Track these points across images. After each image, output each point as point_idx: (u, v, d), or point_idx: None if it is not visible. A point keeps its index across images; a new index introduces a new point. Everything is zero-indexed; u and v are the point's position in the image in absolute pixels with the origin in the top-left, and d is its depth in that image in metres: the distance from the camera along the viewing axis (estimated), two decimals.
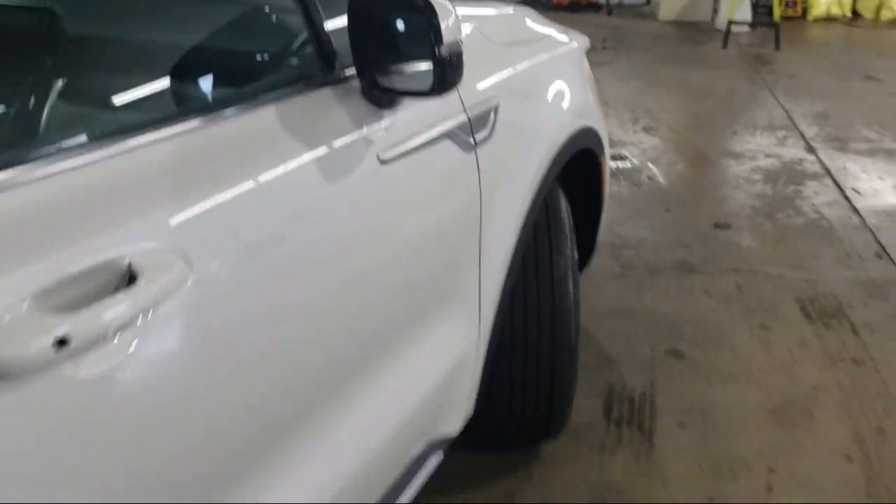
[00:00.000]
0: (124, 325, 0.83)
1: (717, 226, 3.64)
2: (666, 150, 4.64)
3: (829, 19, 8.21)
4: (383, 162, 1.27)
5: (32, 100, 1.09)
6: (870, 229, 3.59)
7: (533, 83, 1.86)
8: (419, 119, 1.37)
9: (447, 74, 1.17)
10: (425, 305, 1.51)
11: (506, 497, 2.08)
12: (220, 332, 0.98)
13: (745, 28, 7.54)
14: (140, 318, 0.84)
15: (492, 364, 1.77)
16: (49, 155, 0.86)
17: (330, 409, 1.27)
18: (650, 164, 4.39)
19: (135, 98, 1.14)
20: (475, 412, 1.78)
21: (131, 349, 0.84)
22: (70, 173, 0.85)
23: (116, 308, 0.81)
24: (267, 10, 1.38)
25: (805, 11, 8.25)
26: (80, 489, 0.82)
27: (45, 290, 0.76)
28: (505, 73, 1.67)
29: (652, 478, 2.16)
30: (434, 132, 1.40)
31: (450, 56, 1.15)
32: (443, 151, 1.44)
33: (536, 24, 2.14)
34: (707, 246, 3.45)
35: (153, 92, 1.16)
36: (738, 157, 4.52)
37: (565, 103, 1.99)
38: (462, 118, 1.49)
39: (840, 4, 8.22)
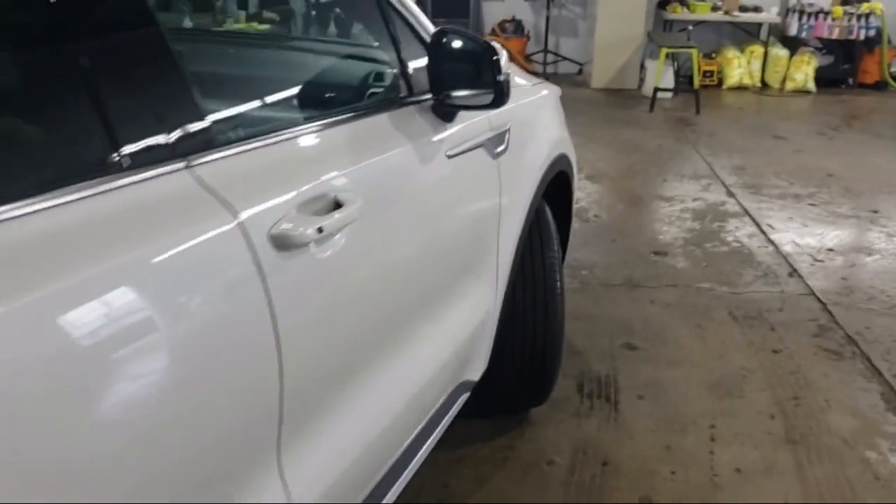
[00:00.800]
0: (337, 231, 1.34)
1: (655, 252, 4.27)
2: (607, 194, 5.30)
3: (741, 88, 9.15)
4: (448, 157, 1.82)
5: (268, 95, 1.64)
6: (783, 255, 4.27)
7: (530, 116, 2.44)
8: (467, 131, 1.92)
9: (504, 94, 1.73)
10: (464, 272, 2.03)
11: (504, 450, 2.59)
12: (362, 251, 1.49)
13: (669, 94, 8.41)
14: (343, 229, 1.36)
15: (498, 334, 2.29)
16: (290, 126, 1.40)
17: (399, 342, 1.75)
18: (595, 205, 5.03)
19: (317, 104, 1.70)
20: (481, 378, 2.27)
21: (341, 242, 1.36)
22: (305, 137, 1.40)
23: (338, 219, 1.32)
24: (375, 54, 1.94)
25: (721, 81, 9.19)
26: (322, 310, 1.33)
27: (303, 203, 1.28)
28: (512, 106, 2.25)
29: (619, 433, 2.70)
30: (477, 140, 1.95)
31: (504, 81, 1.72)
32: (480, 156, 2.00)
33: (522, 75, 2.74)
34: (648, 268, 4.06)
35: (326, 99, 1.72)
36: (669, 199, 5.20)
37: (549, 134, 2.58)
38: (490, 134, 2.05)
39: (751, 75, 9.19)
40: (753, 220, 4.83)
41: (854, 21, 9.08)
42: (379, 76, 1.83)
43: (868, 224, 4.84)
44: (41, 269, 0.88)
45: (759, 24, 9.46)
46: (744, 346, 3.30)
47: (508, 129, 2.17)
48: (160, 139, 1.09)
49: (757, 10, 9.34)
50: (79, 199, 0.96)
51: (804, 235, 4.57)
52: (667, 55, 8.14)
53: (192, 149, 1.14)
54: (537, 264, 2.44)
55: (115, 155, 1.03)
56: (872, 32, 9.12)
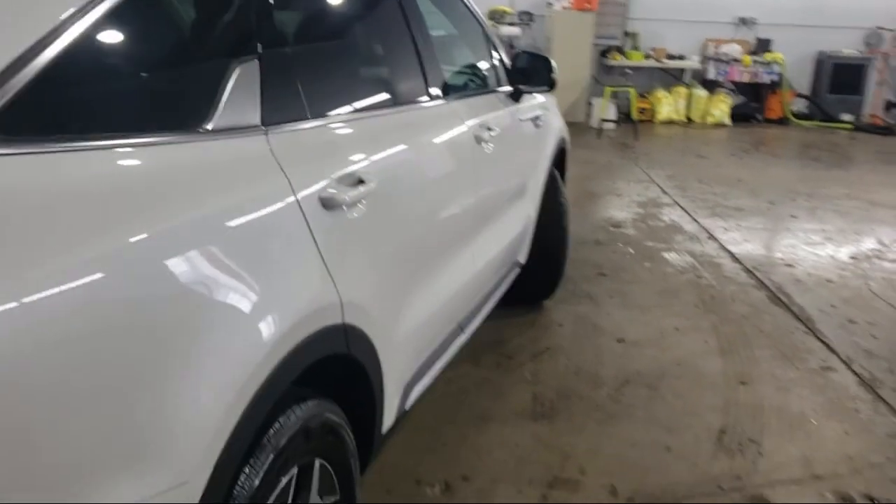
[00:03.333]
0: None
1: (613, 226, 5.88)
2: (573, 191, 6.83)
3: (670, 122, 10.97)
4: (520, 120, 3.37)
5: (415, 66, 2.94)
6: (704, 228, 5.92)
7: (548, 109, 4.01)
8: (525, 109, 3.48)
9: (554, 83, 3.29)
10: (520, 191, 3.56)
11: (532, 317, 4.10)
12: (496, 155, 3.00)
13: (612, 125, 10.16)
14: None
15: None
16: (456, 95, 2.89)
17: (486, 228, 3.20)
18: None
19: (442, 86, 3.05)
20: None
21: (490, 147, 2.87)
22: (469, 100, 2.90)
23: (489, 136, 2.85)
24: (483, 60, 3.42)
25: (653, 116, 11.00)
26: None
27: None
28: (542, 100, 3.81)
29: (600, 312, 4.24)
30: (530, 115, 3.52)
31: (554, 77, 3.28)
32: (530, 125, 3.55)
33: None
34: (609, 234, 5.66)
35: (453, 84, 3.17)
36: (619, 195, 6.85)
37: (557, 121, 4.15)
38: (533, 114, 3.62)
39: (677, 112, 11.02)
40: (682, 208, 6.49)
41: (760, 68, 11.04)
42: (486, 78, 3.36)
43: (765, 210, 6.57)
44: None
45: (683, 70, 11.34)
46: (678, 275, 4.91)
47: (540, 114, 3.75)
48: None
49: (681, 58, 11.23)
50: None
51: (718, 217, 6.25)
52: (611, 93, 9.91)
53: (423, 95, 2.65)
54: (552, 198, 3.98)
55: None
56: (775, 77, 11.08)
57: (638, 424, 3.15)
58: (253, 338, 1.45)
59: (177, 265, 1.29)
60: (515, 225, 3.51)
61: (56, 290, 1.09)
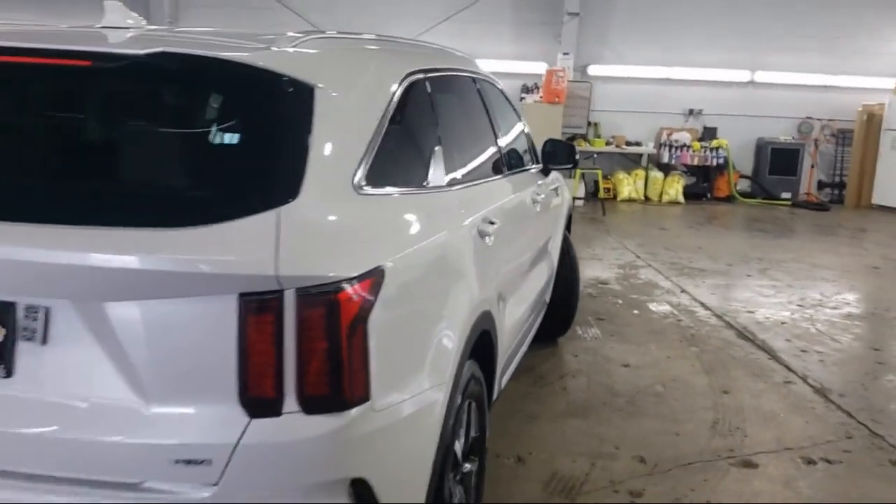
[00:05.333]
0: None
1: (600, 283, 6.93)
2: None
3: (631, 200, 12.25)
4: (550, 189, 4.43)
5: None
6: (677, 284, 7.01)
7: (561, 182, 5.06)
8: (552, 181, 4.54)
9: (576, 164, 4.36)
10: (547, 248, 4.58)
11: (554, 349, 5.06)
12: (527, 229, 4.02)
13: (581, 202, 11.38)
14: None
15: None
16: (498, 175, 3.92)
17: (535, 268, 4.24)
18: None
19: (510, 163, 4.10)
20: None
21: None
22: (512, 177, 3.92)
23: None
24: (522, 146, 4.45)
25: (616, 195, 12.27)
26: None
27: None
28: (558, 175, 4.87)
29: (604, 346, 5.24)
30: (554, 186, 4.57)
31: (577, 158, 4.35)
32: (554, 194, 4.61)
33: None
34: (598, 289, 6.71)
35: (514, 162, 4.17)
36: (600, 259, 7.94)
37: (567, 192, 5.21)
38: (559, 184, 4.68)
39: (637, 191, 12.32)
40: (655, 269, 7.60)
41: (708, 152, 12.44)
42: (527, 157, 4.41)
43: (724, 270, 7.71)
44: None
45: (641, 154, 12.69)
46: (661, 319, 5.96)
47: (560, 185, 4.81)
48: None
49: (638, 144, 12.59)
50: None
51: (686, 276, 7.36)
52: (580, 175, 11.15)
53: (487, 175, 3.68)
54: (566, 251, 5.01)
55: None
56: (722, 160, 12.48)
57: (651, 419, 4.12)
58: (465, 311, 2.43)
59: (444, 257, 2.28)
60: (547, 269, 4.52)
61: (415, 254, 2.08)
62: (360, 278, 1.82)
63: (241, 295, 1.69)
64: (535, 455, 3.66)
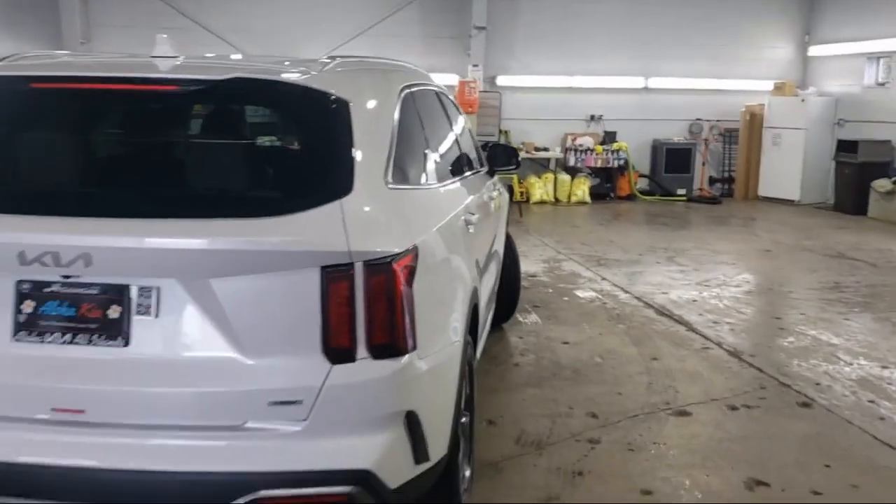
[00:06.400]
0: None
1: (530, 276, 7.54)
2: None
3: (542, 202, 12.98)
4: (497, 190, 4.98)
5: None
6: (596, 273, 7.70)
7: (501, 183, 5.63)
8: (496, 182, 5.09)
9: (519, 164, 4.92)
10: (496, 241, 5.13)
11: (500, 333, 5.61)
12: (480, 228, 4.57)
13: None
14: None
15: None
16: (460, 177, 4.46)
17: (495, 249, 4.79)
18: None
19: (469, 165, 4.65)
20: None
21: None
22: (462, 181, 4.46)
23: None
24: (473, 151, 4.98)
25: (528, 198, 12.98)
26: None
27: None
28: (495, 179, 5.43)
29: (544, 329, 5.83)
30: (499, 186, 5.13)
31: (518, 160, 4.91)
32: (500, 192, 5.16)
33: None
34: (529, 282, 7.30)
35: (457, 167, 4.74)
36: (525, 256, 8.50)
37: (506, 191, 5.78)
38: (500, 185, 5.24)
39: (547, 193, 13.07)
40: (575, 261, 8.28)
41: (610, 155, 13.31)
42: (475, 160, 4.93)
43: (637, 260, 8.46)
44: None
45: (549, 159, 13.46)
46: (589, 303, 6.61)
47: (501, 187, 5.37)
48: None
49: (546, 149, 13.35)
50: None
51: (604, 266, 8.06)
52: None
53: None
54: (510, 248, 5.58)
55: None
56: (622, 162, 13.38)
57: (596, 384, 4.72)
58: (468, 284, 2.95)
59: (450, 239, 2.79)
60: (497, 261, 5.06)
61: (431, 237, 2.57)
62: (405, 253, 2.32)
63: (323, 268, 2.16)
64: (504, 419, 4.19)
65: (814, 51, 13.95)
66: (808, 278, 7.81)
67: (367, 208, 2.31)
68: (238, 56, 2.73)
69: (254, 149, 2.48)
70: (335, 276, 2.16)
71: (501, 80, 13.16)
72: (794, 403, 4.49)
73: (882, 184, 11.49)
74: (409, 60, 3.88)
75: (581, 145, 13.32)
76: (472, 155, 4.66)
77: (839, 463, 3.74)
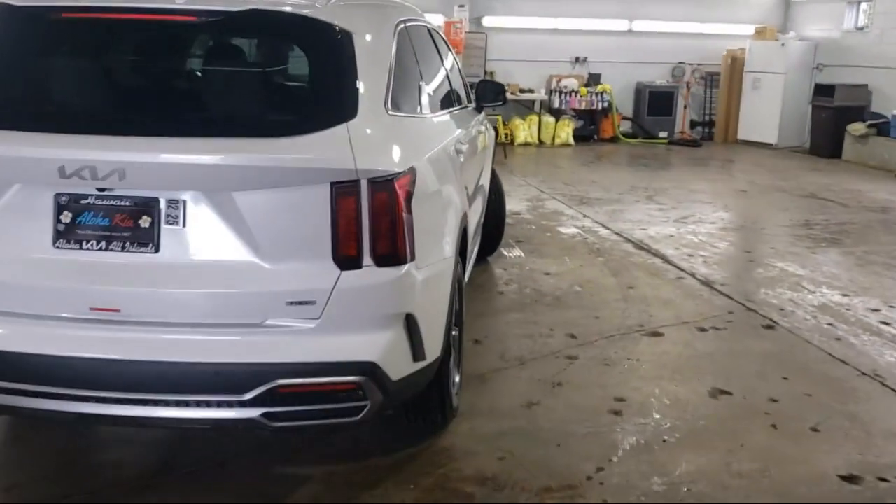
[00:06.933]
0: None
1: (513, 213, 7.81)
2: None
3: (526, 144, 13.20)
4: (483, 125, 5.22)
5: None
6: (578, 211, 7.98)
7: (489, 124, 5.86)
8: (483, 118, 5.33)
9: (506, 101, 5.15)
10: (482, 176, 5.39)
11: (485, 265, 5.91)
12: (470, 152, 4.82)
13: None
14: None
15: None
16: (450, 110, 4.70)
17: (483, 177, 5.06)
18: None
19: (458, 99, 4.86)
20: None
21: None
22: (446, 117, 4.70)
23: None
24: (461, 86, 5.20)
25: (512, 140, 13.18)
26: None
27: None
28: (482, 116, 5.66)
29: (527, 261, 6.13)
30: (485, 122, 5.37)
31: (506, 96, 5.14)
32: (489, 126, 5.40)
33: None
34: (513, 219, 7.58)
35: (447, 101, 4.97)
36: (509, 195, 8.70)
37: (492, 132, 6.02)
38: (487, 122, 5.48)
39: (531, 135, 13.28)
40: (558, 200, 8.55)
41: (594, 97, 13.50)
42: (464, 96, 5.16)
43: (617, 198, 8.75)
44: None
45: (534, 101, 13.63)
46: (570, 238, 6.91)
47: (487, 123, 5.60)
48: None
49: (531, 91, 13.52)
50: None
51: (586, 204, 8.35)
52: None
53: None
54: (495, 184, 5.84)
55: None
56: (606, 104, 13.58)
57: (575, 310, 5.04)
58: (459, 206, 3.22)
59: (443, 164, 3.05)
60: (482, 195, 5.33)
61: (426, 162, 2.83)
62: (404, 173, 2.58)
63: (333, 183, 2.41)
64: (489, 338, 4.51)
65: None
66: (781, 216, 8.15)
67: (369, 131, 2.56)
68: None
69: (268, 75, 2.71)
70: (343, 191, 2.42)
71: (487, 21, 13.25)
72: (759, 326, 4.83)
73: (857, 127, 11.79)
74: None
75: (566, 87, 13.49)
76: (462, 90, 4.88)
77: (796, 376, 4.09)
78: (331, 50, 2.62)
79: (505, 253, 6.31)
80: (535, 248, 6.55)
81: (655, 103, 13.79)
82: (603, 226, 7.36)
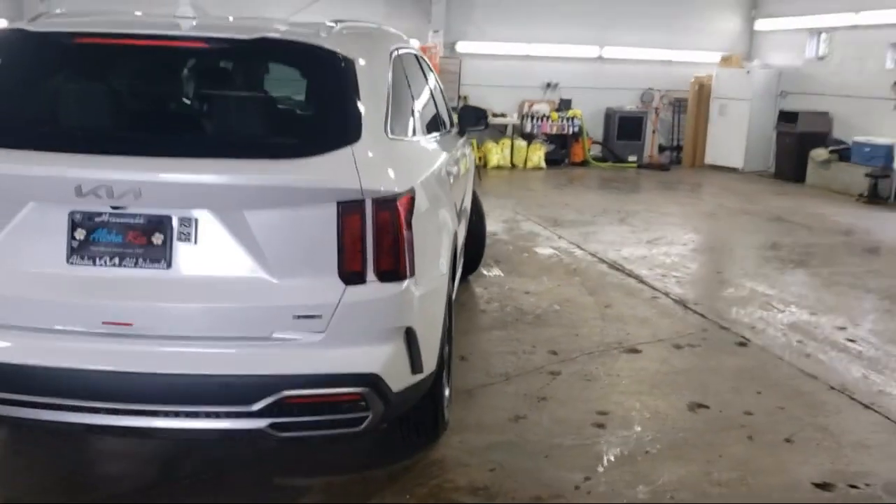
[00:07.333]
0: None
1: (490, 234, 7.96)
2: None
3: (500, 167, 13.40)
4: (466, 148, 5.37)
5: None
6: (553, 232, 8.16)
7: (470, 148, 6.03)
8: (465, 142, 5.49)
9: (487, 125, 5.31)
10: (465, 198, 5.54)
11: (468, 281, 6.04)
12: (458, 174, 4.98)
13: None
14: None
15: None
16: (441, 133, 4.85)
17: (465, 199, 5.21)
18: None
19: (443, 124, 5.02)
20: None
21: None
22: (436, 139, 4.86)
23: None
24: (445, 111, 5.34)
25: (486, 163, 13.38)
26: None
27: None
28: (465, 140, 5.83)
29: (507, 281, 6.28)
30: (467, 146, 5.53)
31: (487, 121, 5.30)
32: (469, 150, 5.56)
33: None
34: (491, 240, 7.71)
35: (434, 124, 5.11)
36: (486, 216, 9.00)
37: (473, 155, 6.18)
38: (468, 146, 5.64)
39: (504, 158, 13.49)
40: (533, 222, 8.73)
41: (565, 122, 13.77)
42: (448, 121, 5.31)
43: (591, 221, 8.95)
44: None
45: (506, 126, 13.85)
46: (547, 259, 7.07)
47: (468, 147, 5.76)
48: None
49: (504, 115, 13.75)
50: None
51: (560, 226, 8.53)
52: None
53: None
54: (476, 205, 5.99)
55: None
56: (576, 129, 13.85)
57: (555, 327, 5.18)
58: (451, 227, 3.36)
59: (438, 186, 3.19)
60: (465, 217, 5.47)
61: (421, 183, 2.96)
62: (405, 193, 2.71)
63: (339, 203, 2.54)
64: (474, 355, 4.64)
65: (760, 25, 14.55)
66: (749, 238, 8.40)
67: (371, 154, 2.69)
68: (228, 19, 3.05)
69: (276, 100, 2.84)
70: (349, 210, 2.55)
71: (461, 47, 13.48)
72: (732, 343, 5.02)
73: (819, 153, 12.16)
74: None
75: (537, 112, 13.75)
76: (445, 115, 5.04)
77: (769, 390, 4.27)
78: (335, 76, 2.75)
79: (485, 272, 6.45)
80: (514, 267, 6.70)
81: (625, 128, 14.10)
82: (578, 246, 7.54)
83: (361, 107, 2.75)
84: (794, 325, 5.38)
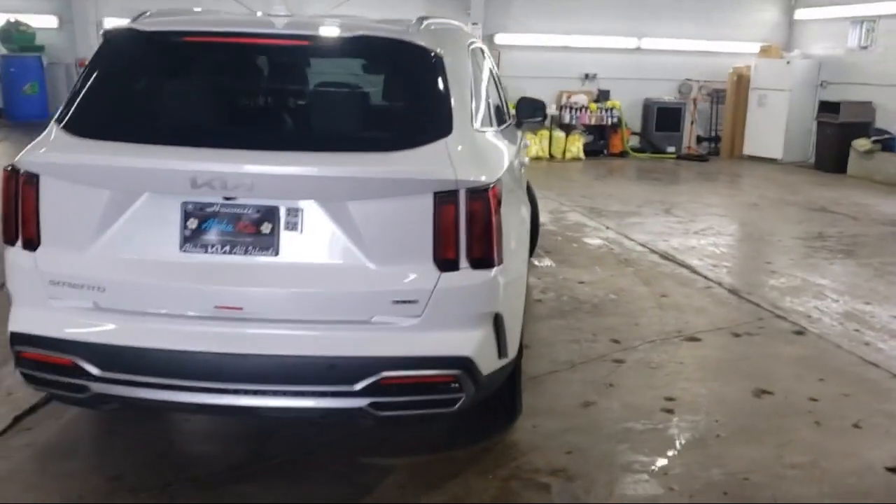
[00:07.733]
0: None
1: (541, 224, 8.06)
2: None
3: (538, 158, 13.46)
4: (525, 139, 5.46)
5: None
6: (600, 223, 8.23)
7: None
8: (522, 134, 5.58)
9: (545, 116, 5.40)
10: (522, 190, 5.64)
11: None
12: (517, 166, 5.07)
13: None
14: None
15: None
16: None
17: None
18: None
19: (503, 116, 5.13)
20: None
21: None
22: (506, 131, 4.96)
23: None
24: (505, 104, 5.45)
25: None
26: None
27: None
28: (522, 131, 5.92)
29: (560, 271, 6.37)
30: (524, 134, 5.62)
31: (545, 112, 5.39)
32: (527, 141, 5.65)
33: None
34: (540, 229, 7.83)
35: (501, 116, 5.20)
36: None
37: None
38: (524, 133, 5.74)
39: (542, 149, 13.55)
40: (579, 213, 8.81)
41: (604, 113, 13.79)
42: (507, 113, 5.41)
43: (636, 211, 9.01)
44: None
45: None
46: (597, 249, 7.15)
47: (524, 138, 5.85)
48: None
49: None
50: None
51: (606, 217, 8.60)
52: None
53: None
54: (531, 195, 6.08)
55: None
56: (615, 120, 13.87)
57: (614, 316, 5.27)
58: (527, 215, 3.45)
59: (515, 176, 3.30)
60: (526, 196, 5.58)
61: (505, 173, 3.07)
62: (495, 183, 2.81)
63: (435, 193, 2.65)
64: (537, 344, 4.74)
65: (799, 14, 14.46)
66: (794, 228, 8.41)
67: (461, 147, 2.80)
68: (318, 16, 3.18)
69: (373, 95, 2.96)
70: (444, 200, 2.66)
71: (500, 39, 13.55)
72: (789, 331, 5.07)
73: (862, 143, 12.10)
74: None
75: (576, 103, 13.79)
76: (507, 106, 5.13)
77: (831, 377, 4.33)
78: (428, 72, 2.86)
79: (536, 263, 6.55)
80: (565, 258, 6.79)
81: (663, 119, 14.09)
82: (626, 237, 7.61)
83: (452, 100, 2.86)
84: (850, 315, 5.43)
